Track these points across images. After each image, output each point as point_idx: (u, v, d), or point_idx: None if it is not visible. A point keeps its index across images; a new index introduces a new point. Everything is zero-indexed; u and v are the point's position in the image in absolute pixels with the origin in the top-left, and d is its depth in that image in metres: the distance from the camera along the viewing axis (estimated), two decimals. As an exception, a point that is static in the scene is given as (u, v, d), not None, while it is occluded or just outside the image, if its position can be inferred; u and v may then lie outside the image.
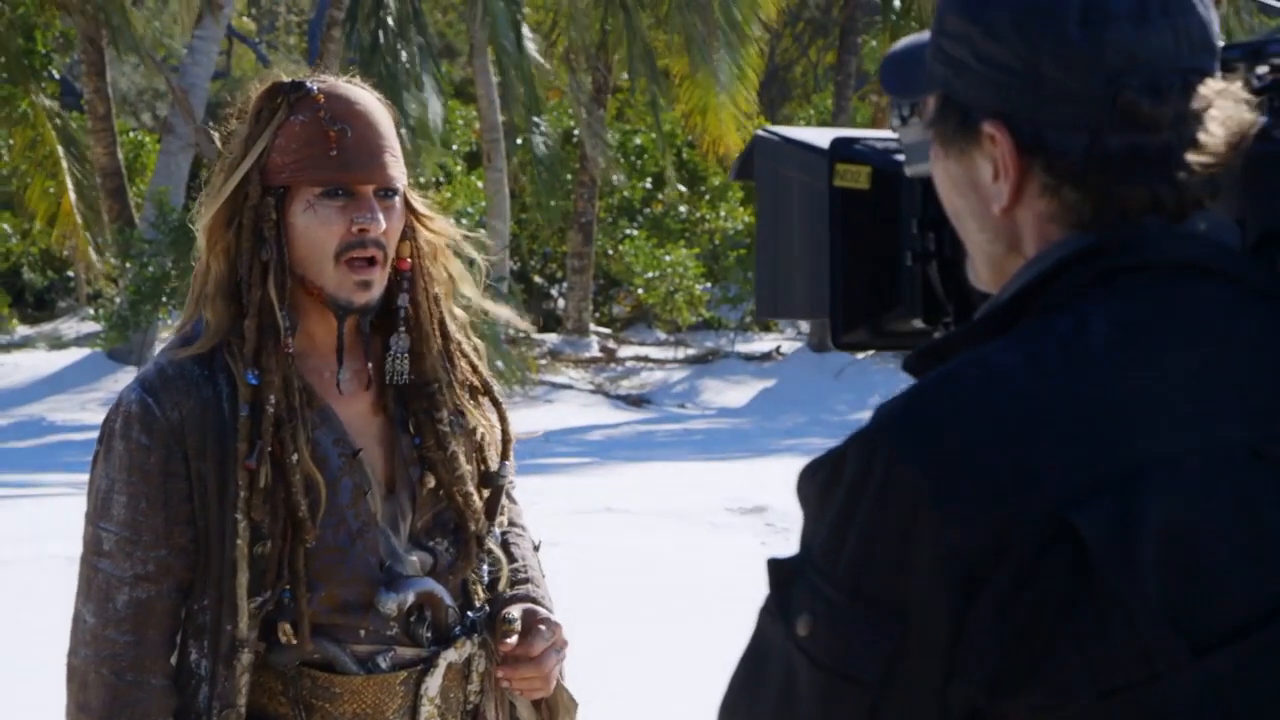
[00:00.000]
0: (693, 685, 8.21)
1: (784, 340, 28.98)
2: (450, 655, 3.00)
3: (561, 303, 30.91)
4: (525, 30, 25.63)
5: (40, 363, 25.17)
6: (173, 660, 2.92)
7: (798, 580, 1.64)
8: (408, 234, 3.02)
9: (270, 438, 2.88)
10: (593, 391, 25.51)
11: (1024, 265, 1.69)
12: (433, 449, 3.01)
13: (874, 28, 30.12)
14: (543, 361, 26.51)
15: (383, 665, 2.96)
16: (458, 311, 3.11)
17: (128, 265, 22.61)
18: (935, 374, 1.64)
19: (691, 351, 28.51)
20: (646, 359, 28.11)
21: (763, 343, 29.12)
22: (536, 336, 27.44)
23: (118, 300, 23.47)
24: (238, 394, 2.90)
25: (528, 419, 22.73)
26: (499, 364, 22.81)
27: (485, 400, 3.13)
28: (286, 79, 2.98)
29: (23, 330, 29.70)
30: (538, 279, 32.28)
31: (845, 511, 1.60)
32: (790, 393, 24.89)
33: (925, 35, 1.79)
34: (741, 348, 28.68)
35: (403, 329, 3.01)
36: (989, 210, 1.71)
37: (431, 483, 3.02)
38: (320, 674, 2.93)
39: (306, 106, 2.93)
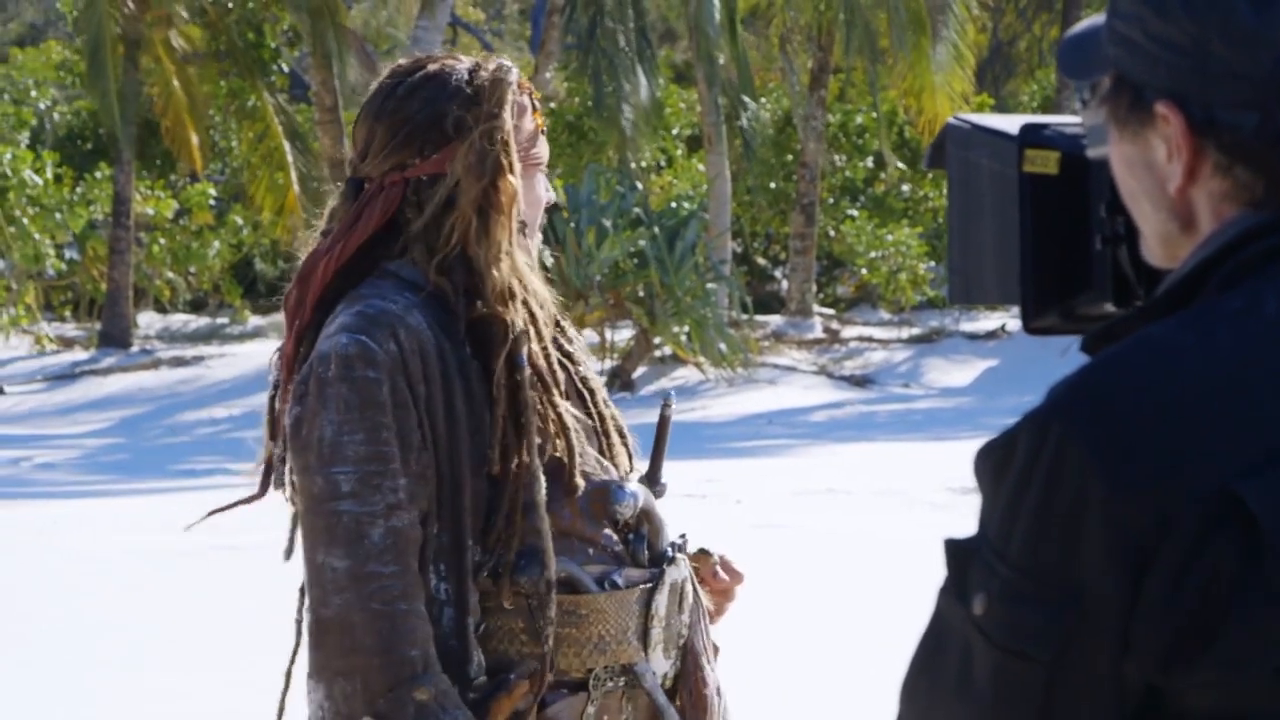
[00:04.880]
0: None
1: (1008, 318, 28.73)
2: (673, 573, 3.03)
3: (785, 284, 30.90)
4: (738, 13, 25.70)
5: (271, 353, 25.59)
6: None
7: (974, 560, 1.65)
8: None
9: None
10: (816, 372, 25.49)
11: (1198, 244, 1.69)
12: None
13: (1097, 1, 29.74)
14: (766, 343, 26.53)
15: (619, 583, 2.99)
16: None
17: (355, 254, 22.94)
18: (1105, 353, 1.65)
19: (915, 331, 28.38)
20: (870, 339, 28.02)
21: (987, 321, 28.89)
22: (759, 319, 27.46)
23: (346, 289, 23.81)
24: (451, 319, 2.96)
25: (751, 401, 22.78)
26: (721, 346, 22.87)
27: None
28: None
29: (255, 320, 30.25)
30: (760, 260, 32.30)
31: (1018, 491, 1.62)
32: (1014, 371, 24.69)
33: (1102, 17, 1.79)
34: (966, 326, 28.49)
35: None
36: (1164, 190, 1.70)
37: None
38: (564, 597, 2.94)
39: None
